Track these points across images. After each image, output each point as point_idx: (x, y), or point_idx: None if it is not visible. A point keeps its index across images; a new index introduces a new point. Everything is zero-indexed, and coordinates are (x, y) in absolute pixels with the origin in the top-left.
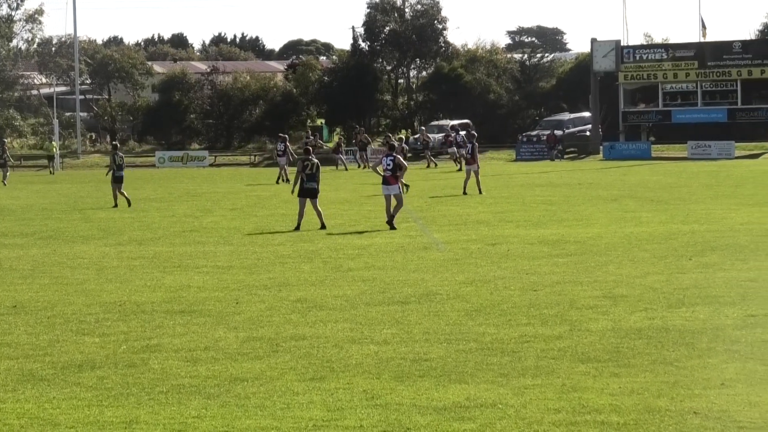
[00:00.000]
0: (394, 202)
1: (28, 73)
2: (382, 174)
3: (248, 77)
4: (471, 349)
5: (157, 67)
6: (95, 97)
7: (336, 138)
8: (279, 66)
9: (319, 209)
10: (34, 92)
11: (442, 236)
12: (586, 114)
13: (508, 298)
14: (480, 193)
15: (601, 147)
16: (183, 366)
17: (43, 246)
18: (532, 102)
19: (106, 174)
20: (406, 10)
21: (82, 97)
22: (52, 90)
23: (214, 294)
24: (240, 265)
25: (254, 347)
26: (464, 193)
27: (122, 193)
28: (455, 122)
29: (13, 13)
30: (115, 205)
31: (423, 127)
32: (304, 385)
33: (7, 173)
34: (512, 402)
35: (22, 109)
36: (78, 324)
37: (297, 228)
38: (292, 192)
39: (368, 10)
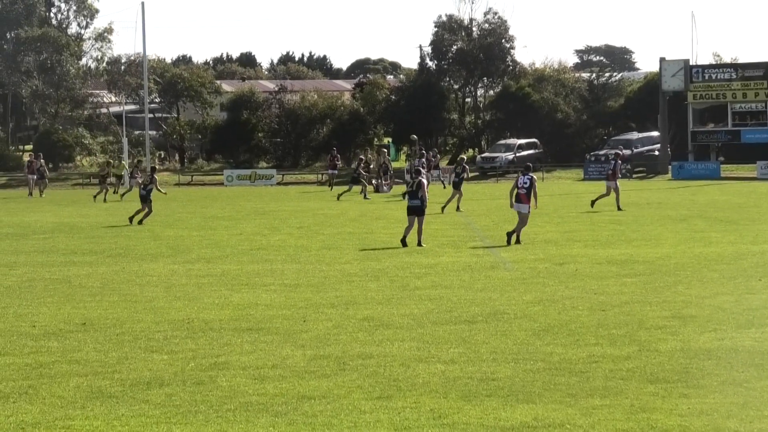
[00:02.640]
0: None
1: (98, 91)
2: (516, 192)
3: (316, 96)
4: (539, 369)
5: (226, 86)
6: (164, 115)
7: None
8: (346, 85)
9: (421, 227)
10: (104, 111)
11: (509, 255)
12: (655, 133)
13: (576, 318)
14: (619, 209)
15: (669, 166)
16: (251, 384)
17: (112, 264)
18: (600, 121)
19: None
20: (474, 29)
21: (151, 115)
22: (121, 108)
23: (282, 312)
24: (307, 283)
25: (321, 365)
26: (614, 207)
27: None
28: (522, 141)
29: (82, 32)
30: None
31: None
32: (371, 403)
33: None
34: (580, 422)
35: (91, 128)
36: (146, 341)
37: (403, 244)
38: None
39: (436, 29)
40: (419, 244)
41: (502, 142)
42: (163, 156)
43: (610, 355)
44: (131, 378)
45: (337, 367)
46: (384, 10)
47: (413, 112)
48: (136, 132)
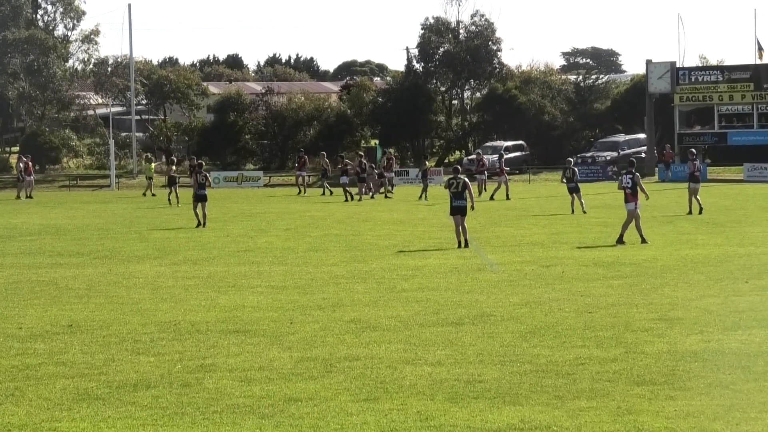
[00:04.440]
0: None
1: (84, 93)
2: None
3: (303, 98)
4: (525, 371)
5: (213, 88)
6: (151, 117)
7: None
8: (333, 87)
9: (465, 226)
10: (90, 112)
11: (497, 257)
12: (642, 136)
13: (563, 320)
14: (700, 212)
15: (656, 169)
16: (237, 386)
17: (99, 265)
18: (586, 123)
19: None
20: (461, 31)
21: (138, 117)
22: (108, 110)
23: (269, 314)
24: (294, 285)
25: (308, 367)
26: (690, 213)
27: None
28: (509, 143)
29: (69, 34)
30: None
31: (479, 150)
32: (357, 405)
33: (26, 188)
34: (567, 424)
35: (78, 130)
36: (133, 343)
37: (459, 245)
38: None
39: (422, 32)
40: (466, 245)
41: (489, 144)
42: (149, 158)
43: (596, 357)
44: (118, 380)
45: (323, 369)
46: (371, 12)
47: (400, 115)
48: (123, 134)
